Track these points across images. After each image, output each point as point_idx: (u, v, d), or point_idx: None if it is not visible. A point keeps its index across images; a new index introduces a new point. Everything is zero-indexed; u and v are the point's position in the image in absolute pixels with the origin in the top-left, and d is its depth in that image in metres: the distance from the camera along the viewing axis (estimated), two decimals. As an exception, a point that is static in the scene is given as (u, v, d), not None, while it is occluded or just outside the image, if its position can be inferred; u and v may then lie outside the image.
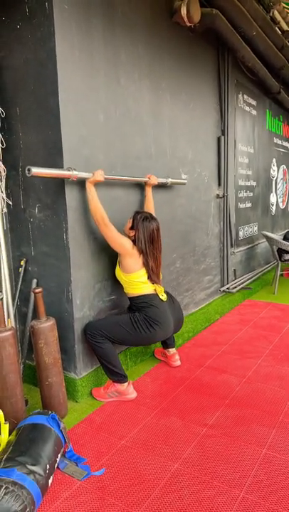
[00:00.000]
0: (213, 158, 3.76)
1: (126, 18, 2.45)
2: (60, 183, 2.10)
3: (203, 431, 1.94)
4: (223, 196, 3.95)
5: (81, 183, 2.18)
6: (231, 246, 4.19)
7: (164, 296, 2.36)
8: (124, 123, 2.50)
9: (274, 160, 5.70)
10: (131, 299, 2.37)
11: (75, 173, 2.01)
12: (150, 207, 2.66)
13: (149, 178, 2.62)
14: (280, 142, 5.92)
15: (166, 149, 2.96)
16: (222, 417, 2.06)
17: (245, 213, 4.67)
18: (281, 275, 4.84)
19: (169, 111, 2.97)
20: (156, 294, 2.34)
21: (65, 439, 1.74)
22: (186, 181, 3.13)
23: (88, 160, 2.23)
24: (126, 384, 2.24)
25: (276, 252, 4.62)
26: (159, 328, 2.25)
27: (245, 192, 4.63)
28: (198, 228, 3.53)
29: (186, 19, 2.89)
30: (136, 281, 2.30)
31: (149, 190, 2.67)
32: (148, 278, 2.32)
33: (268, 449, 1.79)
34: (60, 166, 2.07)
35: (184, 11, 2.84)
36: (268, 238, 4.67)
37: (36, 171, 1.87)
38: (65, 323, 2.25)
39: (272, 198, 5.76)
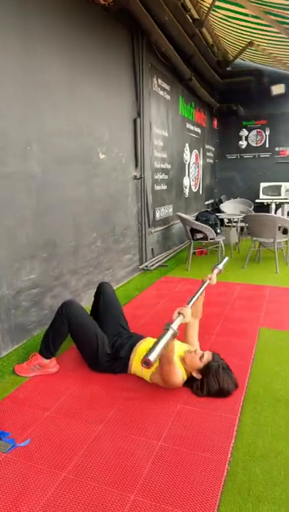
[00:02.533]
0: (130, 139, 3.86)
1: (38, -12, 2.37)
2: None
3: (123, 395, 2.08)
4: (141, 177, 4.09)
5: None
6: (149, 226, 4.38)
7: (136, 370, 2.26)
8: (37, 97, 2.44)
9: (187, 145, 6.00)
10: (127, 365, 2.23)
11: (175, 328, 1.72)
12: (194, 336, 2.43)
13: (210, 280, 2.40)
14: (192, 128, 6.24)
15: (82, 128, 2.96)
16: (141, 382, 2.22)
17: (161, 195, 4.89)
18: (194, 253, 5.20)
19: (85, 89, 2.96)
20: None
21: (-13, 417, 1.74)
22: (227, 258, 2.92)
23: (1, 133, 2.15)
24: (50, 359, 2.28)
25: (189, 232, 4.95)
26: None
27: (161, 174, 4.84)
28: (117, 208, 3.62)
29: (100, -4, 2.89)
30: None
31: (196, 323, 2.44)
32: None
33: (182, 404, 2.00)
34: None
35: (97, -13, 2.83)
36: (182, 219, 4.97)
37: (154, 357, 1.53)
38: (-17, 303, 2.19)
39: (186, 181, 6.10)
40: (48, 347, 2.27)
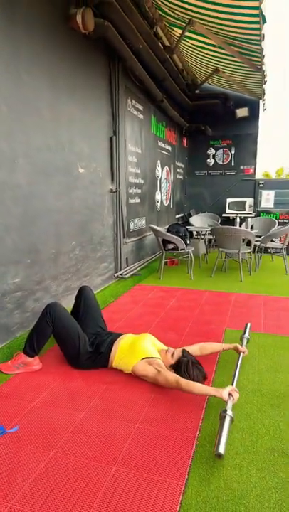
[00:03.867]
0: (107, 155, 4.12)
1: (26, 18, 2.62)
2: None
3: (104, 387, 2.28)
4: (116, 191, 4.35)
5: None
6: (124, 237, 4.63)
7: (116, 365, 2.46)
8: (25, 115, 2.66)
9: (158, 161, 6.35)
10: (107, 360, 2.42)
11: (231, 414, 1.84)
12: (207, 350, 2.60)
13: (243, 352, 2.54)
14: (163, 145, 6.61)
15: (64, 144, 3.20)
16: (119, 376, 2.42)
17: (135, 208, 5.17)
18: (165, 263, 5.49)
19: (66, 108, 3.21)
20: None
21: (-22, 406, 1.88)
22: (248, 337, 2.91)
23: (-8, 148, 2.35)
24: (33, 358, 2.44)
25: (161, 243, 5.24)
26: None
27: (135, 188, 5.12)
28: (94, 219, 3.85)
29: (80, 26, 3.16)
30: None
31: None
32: None
33: (156, 393, 2.22)
34: None
35: (79, 18, 3.11)
36: (154, 230, 5.25)
37: (223, 448, 1.65)
38: None
39: (158, 196, 6.42)
40: (32, 346, 2.43)
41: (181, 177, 8.16)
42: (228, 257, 5.59)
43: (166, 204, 7.06)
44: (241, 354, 2.52)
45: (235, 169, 8.26)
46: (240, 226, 6.47)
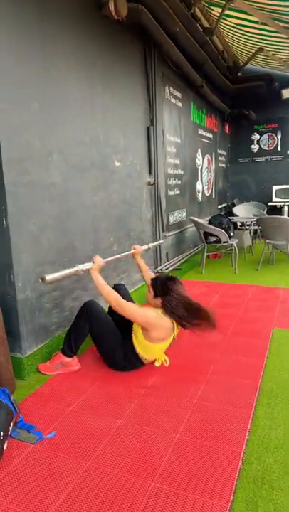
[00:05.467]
0: (144, 147, 3.98)
1: (56, 8, 2.52)
2: (-3, 168, 2.15)
3: (143, 391, 2.18)
4: (154, 183, 4.21)
5: (20, 161, 2.25)
6: (163, 230, 4.49)
7: (158, 363, 2.43)
8: (58, 111, 2.59)
9: (199, 150, 6.10)
10: (131, 349, 2.31)
11: (80, 267, 2.20)
12: (148, 274, 2.73)
13: (134, 249, 2.77)
14: (203, 133, 6.34)
15: (99, 137, 3.10)
16: (159, 379, 2.32)
17: (175, 200, 5.00)
18: (207, 256, 5.28)
19: (100, 100, 3.10)
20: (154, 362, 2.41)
21: (15, 410, 1.86)
22: (162, 241, 3.43)
23: (25, 146, 2.30)
24: (72, 358, 2.40)
25: (203, 236, 5.03)
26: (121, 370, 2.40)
27: (174, 180, 4.95)
28: (132, 213, 3.74)
29: (113, 13, 3.02)
30: (160, 348, 2.33)
31: (139, 260, 2.81)
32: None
33: (199, 399, 2.09)
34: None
35: (111, 5, 2.97)
36: (196, 223, 5.06)
37: (50, 277, 2.00)
38: (9, 305, 2.32)
39: (199, 186, 6.19)
40: (70, 346, 2.39)
41: (223, 165, 7.83)
42: (276, 249, 5.26)
43: (208, 194, 6.80)
44: (132, 250, 2.76)
45: (282, 154, 7.77)
46: (288, 215, 6.07)
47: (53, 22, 2.50)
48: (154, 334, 2.24)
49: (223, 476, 1.54)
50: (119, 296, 2.26)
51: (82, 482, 1.54)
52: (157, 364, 2.39)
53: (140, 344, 2.30)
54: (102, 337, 2.39)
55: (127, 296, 2.68)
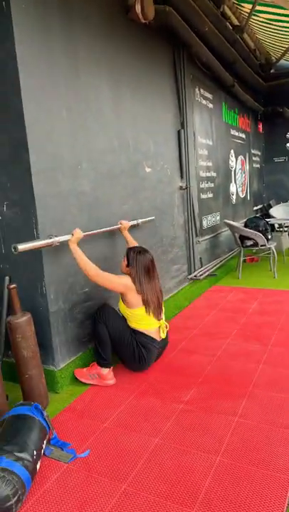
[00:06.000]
0: (175, 151, 3.89)
1: (82, 15, 2.50)
2: (27, 178, 2.13)
3: (180, 407, 2.07)
4: (186, 188, 4.09)
5: (48, 169, 2.22)
6: (196, 235, 4.36)
7: (164, 333, 2.50)
8: (86, 118, 2.55)
9: (232, 151, 5.92)
10: (134, 331, 2.41)
11: (56, 239, 2.15)
12: (133, 245, 2.75)
13: (121, 224, 2.76)
14: (236, 134, 6.15)
15: (128, 143, 3.04)
16: (196, 393, 2.19)
17: (208, 203, 4.85)
18: (244, 261, 5.08)
19: (129, 105, 3.05)
20: (158, 331, 2.47)
21: (49, 427, 1.81)
22: (154, 217, 3.31)
23: (54, 156, 2.27)
24: (108, 369, 2.35)
25: (238, 239, 4.85)
26: (144, 364, 2.43)
27: (207, 183, 4.81)
28: (164, 219, 3.65)
29: (140, 16, 2.97)
30: (140, 315, 2.39)
31: (126, 234, 2.81)
32: (151, 314, 2.41)
33: (240, 417, 1.95)
34: (26, 163, 2.10)
35: (138, 8, 2.91)
36: (230, 226, 4.88)
37: (22, 247, 1.98)
38: (41, 317, 2.29)
39: (232, 188, 6.00)
40: (100, 355, 2.34)
41: (257, 165, 7.57)
42: (317, 251, 4.98)
43: (243, 196, 6.59)
44: (119, 225, 2.74)
45: None
46: None
47: (81, 29, 2.47)
48: (130, 297, 2.35)
49: (271, 507, 1.40)
50: (97, 268, 2.27)
51: (117, 507, 1.45)
52: (162, 335, 2.49)
53: (129, 318, 2.41)
54: (119, 339, 2.36)
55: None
